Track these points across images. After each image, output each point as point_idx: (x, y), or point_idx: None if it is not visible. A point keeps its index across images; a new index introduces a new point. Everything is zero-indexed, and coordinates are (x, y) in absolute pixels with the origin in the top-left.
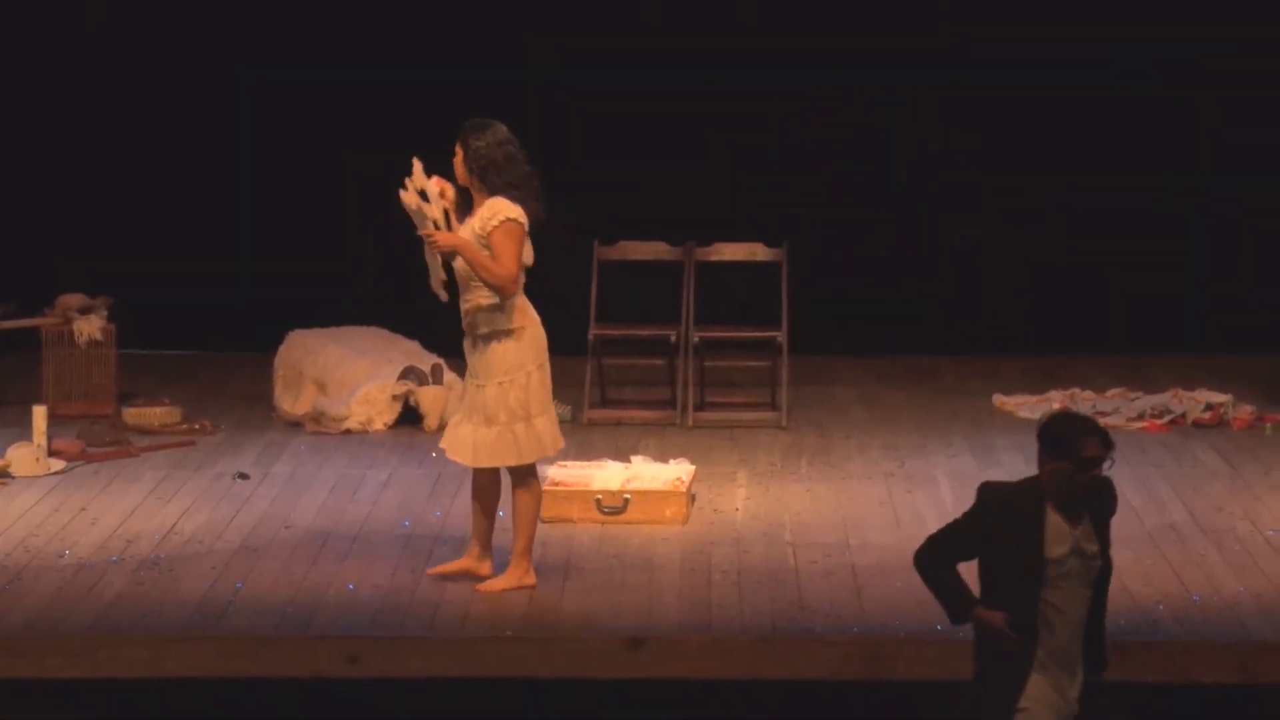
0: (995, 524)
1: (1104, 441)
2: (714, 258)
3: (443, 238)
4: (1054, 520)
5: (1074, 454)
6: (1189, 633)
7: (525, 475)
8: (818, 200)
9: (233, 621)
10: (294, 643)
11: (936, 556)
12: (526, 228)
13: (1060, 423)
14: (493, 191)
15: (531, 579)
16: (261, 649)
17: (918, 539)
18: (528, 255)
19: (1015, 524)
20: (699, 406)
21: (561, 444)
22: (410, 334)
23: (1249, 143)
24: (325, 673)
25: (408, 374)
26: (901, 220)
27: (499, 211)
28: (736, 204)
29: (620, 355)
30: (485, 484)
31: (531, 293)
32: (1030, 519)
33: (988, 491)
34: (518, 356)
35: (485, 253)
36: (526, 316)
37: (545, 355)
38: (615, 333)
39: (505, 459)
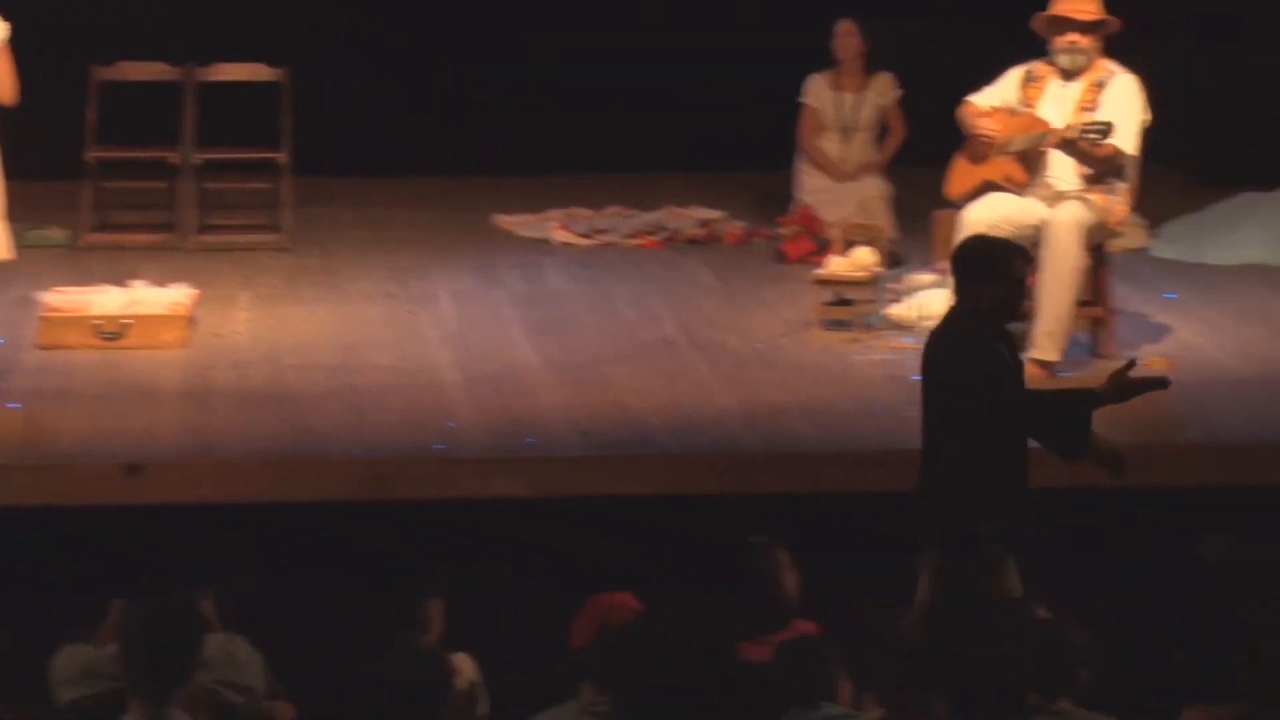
0: (985, 370)
1: (1027, 258)
2: (215, 78)
3: None
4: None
5: (1005, 276)
6: (682, 444)
7: None
8: (322, 21)
9: None
10: None
11: (1019, 413)
12: None
13: (983, 247)
14: None
15: None
16: None
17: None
18: None
19: (988, 367)
20: (200, 229)
21: None
22: None
23: None
24: None
25: None
26: (406, 45)
27: None
28: (239, 24)
29: (119, 178)
30: None
31: (23, 114)
32: (995, 356)
33: (939, 346)
34: None
35: None
36: None
37: None
38: (114, 154)
39: None
